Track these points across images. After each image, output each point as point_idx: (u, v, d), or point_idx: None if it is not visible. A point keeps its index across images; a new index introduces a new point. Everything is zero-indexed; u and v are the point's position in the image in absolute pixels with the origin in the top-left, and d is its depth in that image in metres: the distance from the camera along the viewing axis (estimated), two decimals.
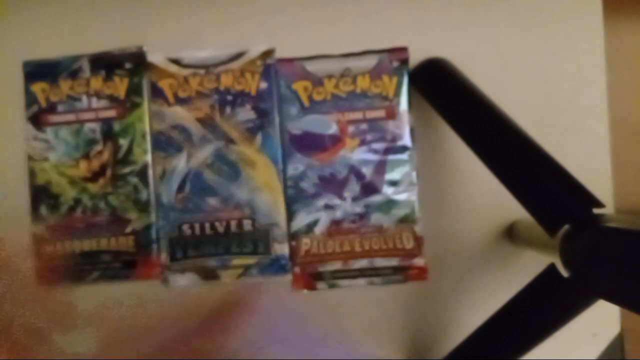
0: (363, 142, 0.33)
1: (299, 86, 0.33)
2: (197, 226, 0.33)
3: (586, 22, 0.34)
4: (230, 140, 0.33)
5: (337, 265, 0.33)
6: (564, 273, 0.24)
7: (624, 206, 0.35)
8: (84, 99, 0.33)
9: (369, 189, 0.33)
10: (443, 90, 0.32)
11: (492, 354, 0.28)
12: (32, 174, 0.33)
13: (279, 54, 0.33)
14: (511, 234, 0.33)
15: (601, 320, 0.34)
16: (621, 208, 0.34)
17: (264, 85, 0.33)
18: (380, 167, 0.33)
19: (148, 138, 0.33)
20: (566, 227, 0.24)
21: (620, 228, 0.22)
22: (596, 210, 0.24)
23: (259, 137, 0.33)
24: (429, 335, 0.33)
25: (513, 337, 0.27)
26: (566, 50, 0.34)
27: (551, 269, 0.25)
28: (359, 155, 0.33)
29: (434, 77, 0.33)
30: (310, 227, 0.33)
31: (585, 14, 0.34)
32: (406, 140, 0.33)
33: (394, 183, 0.33)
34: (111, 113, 0.33)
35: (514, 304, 0.27)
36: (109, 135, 0.33)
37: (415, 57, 0.33)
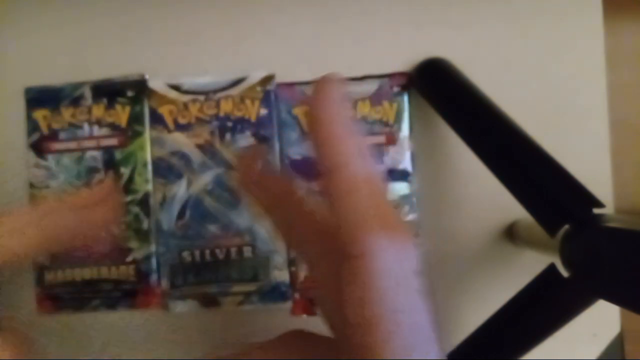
0: None
1: (299, 111, 0.33)
2: (197, 253, 0.33)
3: (586, 22, 0.34)
4: (230, 167, 0.33)
5: None
6: (564, 273, 0.24)
7: (624, 206, 0.34)
8: (86, 126, 0.33)
9: None
10: (443, 90, 0.32)
11: (492, 354, 0.28)
12: (33, 201, 0.33)
13: (279, 78, 0.33)
14: (511, 234, 0.33)
15: (601, 320, 0.34)
16: (621, 208, 0.34)
17: (264, 111, 0.33)
18: None
19: (149, 167, 0.33)
20: (566, 227, 0.24)
21: (620, 228, 0.22)
22: (596, 210, 0.24)
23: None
24: None
25: (513, 337, 0.27)
26: (566, 50, 0.34)
27: (551, 269, 0.25)
28: None
29: (434, 77, 0.33)
30: None
31: (585, 14, 0.34)
32: (407, 166, 0.33)
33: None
34: (112, 141, 0.33)
35: (514, 304, 0.27)
36: (110, 163, 0.33)
37: (415, 57, 0.33)
